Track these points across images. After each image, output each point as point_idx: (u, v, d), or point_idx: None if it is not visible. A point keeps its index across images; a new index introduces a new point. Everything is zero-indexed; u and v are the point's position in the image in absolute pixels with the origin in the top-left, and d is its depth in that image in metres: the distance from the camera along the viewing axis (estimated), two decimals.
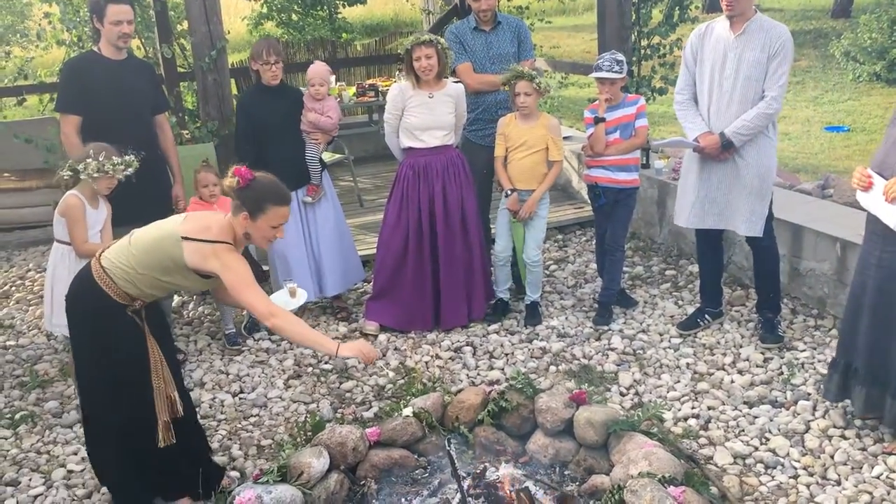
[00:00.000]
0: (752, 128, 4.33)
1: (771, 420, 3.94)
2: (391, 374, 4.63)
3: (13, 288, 6.27)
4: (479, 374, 4.60)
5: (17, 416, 4.34)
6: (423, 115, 4.93)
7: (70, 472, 3.83)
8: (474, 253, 5.13)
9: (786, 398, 4.13)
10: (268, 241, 3.23)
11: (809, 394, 4.13)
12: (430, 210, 5.02)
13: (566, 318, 5.20)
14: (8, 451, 4.06)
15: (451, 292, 5.11)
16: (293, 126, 5.14)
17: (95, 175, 4.10)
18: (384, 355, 4.86)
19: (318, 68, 5.18)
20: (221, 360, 4.92)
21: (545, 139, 4.92)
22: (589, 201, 5.58)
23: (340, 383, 4.58)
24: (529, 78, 4.78)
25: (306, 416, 4.11)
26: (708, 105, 4.50)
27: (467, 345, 4.95)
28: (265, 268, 5.64)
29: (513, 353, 4.81)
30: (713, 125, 4.47)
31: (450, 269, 5.08)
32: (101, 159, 4.07)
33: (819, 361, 4.43)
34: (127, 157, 4.20)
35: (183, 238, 3.08)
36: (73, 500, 3.60)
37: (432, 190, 5.00)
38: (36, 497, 3.70)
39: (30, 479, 3.82)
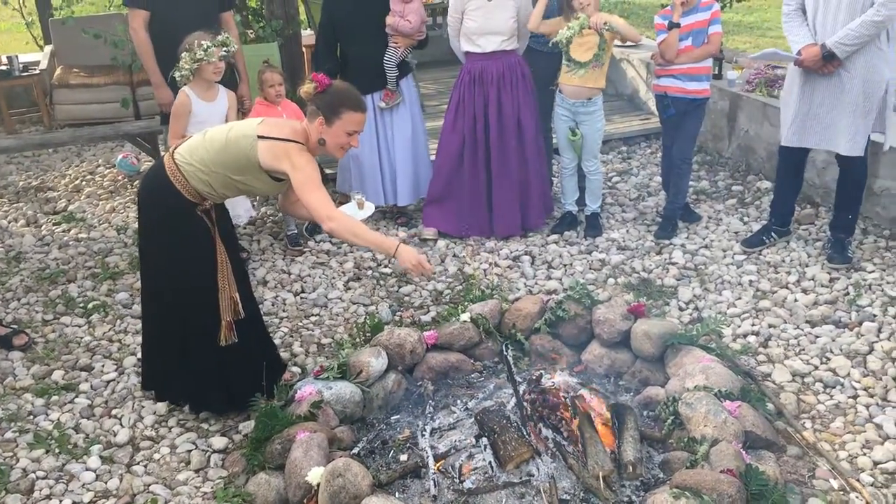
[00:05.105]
0: (856, 37, 4.04)
1: (833, 340, 3.88)
2: (440, 281, 4.68)
3: (83, 182, 6.43)
4: (536, 284, 4.61)
5: (90, 306, 4.52)
6: (481, 19, 4.81)
7: (139, 360, 3.98)
8: (529, 162, 5.05)
9: (850, 319, 4.05)
10: (342, 150, 3.22)
11: (875, 315, 4.03)
12: (485, 116, 4.94)
13: (627, 231, 5.14)
14: (82, 338, 4.25)
15: (504, 200, 5.06)
16: (377, 27, 4.98)
17: (194, 66, 4.12)
18: (443, 262, 4.90)
19: None
20: (283, 259, 5.01)
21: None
22: (656, 112, 5.43)
23: (399, 287, 4.64)
24: None
25: (365, 318, 4.19)
26: (814, 14, 4.23)
27: (526, 254, 4.94)
28: (327, 171, 5.67)
29: (571, 264, 4.79)
30: (819, 36, 4.20)
31: (502, 177, 5.02)
32: (195, 48, 4.09)
33: (888, 283, 4.30)
34: (220, 37, 4.19)
35: (258, 137, 3.10)
36: None
37: (487, 96, 4.91)
38: (108, 382, 3.87)
39: (102, 366, 4.00)
